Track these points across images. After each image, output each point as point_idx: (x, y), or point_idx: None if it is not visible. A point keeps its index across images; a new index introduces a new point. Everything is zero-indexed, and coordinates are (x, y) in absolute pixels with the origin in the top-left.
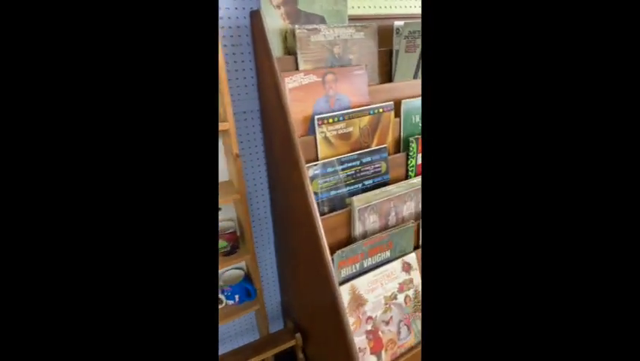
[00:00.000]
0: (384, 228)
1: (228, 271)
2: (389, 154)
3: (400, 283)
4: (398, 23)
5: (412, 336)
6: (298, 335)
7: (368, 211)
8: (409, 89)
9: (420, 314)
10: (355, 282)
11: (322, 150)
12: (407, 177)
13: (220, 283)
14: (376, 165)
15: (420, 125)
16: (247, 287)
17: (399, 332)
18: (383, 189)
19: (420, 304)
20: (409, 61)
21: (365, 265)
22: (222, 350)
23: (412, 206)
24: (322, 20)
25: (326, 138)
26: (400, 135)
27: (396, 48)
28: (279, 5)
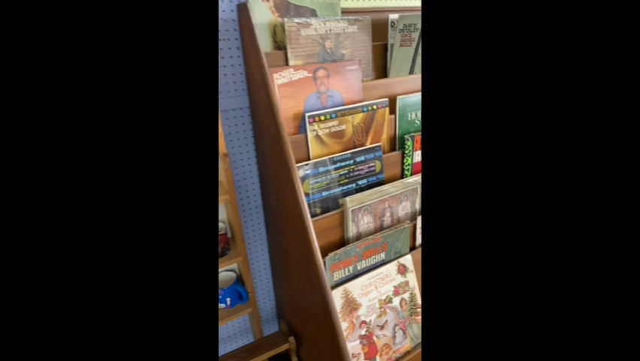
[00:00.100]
0: (380, 229)
1: (220, 273)
2: (384, 152)
3: (395, 286)
4: (393, 16)
5: (408, 340)
6: (292, 338)
7: (362, 212)
8: (404, 84)
9: (416, 318)
10: (348, 285)
11: (314, 148)
12: (403, 176)
13: None
14: (370, 164)
15: (416, 122)
16: (239, 290)
17: (394, 337)
18: (377, 188)
19: (416, 307)
20: (404, 55)
21: (359, 268)
22: None
23: (407, 206)
24: (313, 13)
25: (318, 137)
26: (395, 133)
27: (391, 42)
28: None
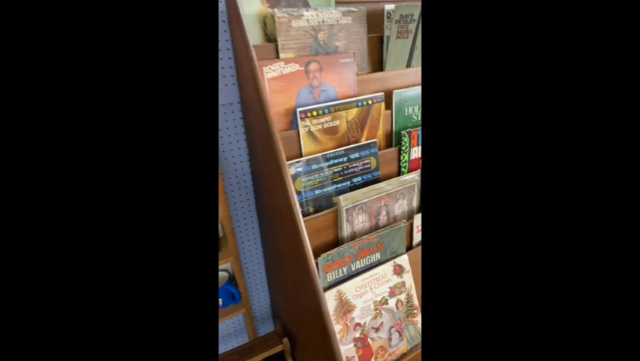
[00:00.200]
0: (375, 228)
1: None
2: (379, 149)
3: (391, 287)
4: (389, 7)
5: (404, 343)
6: (285, 339)
7: (356, 211)
8: (401, 78)
9: (413, 320)
10: (342, 287)
11: (306, 145)
12: (399, 173)
13: None
14: (365, 162)
15: (413, 117)
16: (231, 290)
17: (390, 339)
18: (373, 186)
19: (413, 308)
20: (401, 48)
21: (353, 269)
22: None
23: (404, 204)
24: (305, 4)
25: (310, 133)
26: (391, 129)
27: (387, 34)
28: None
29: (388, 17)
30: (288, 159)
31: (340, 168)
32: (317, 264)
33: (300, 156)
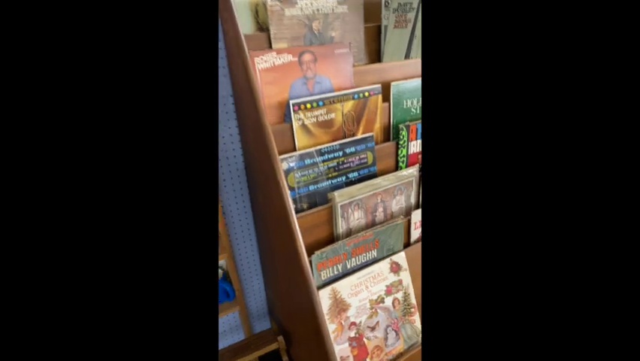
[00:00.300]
0: (372, 225)
1: None
2: (376, 143)
3: (387, 286)
4: None
5: (401, 342)
6: (280, 338)
7: (352, 207)
8: (399, 69)
9: (410, 318)
10: (336, 285)
11: (300, 139)
12: (397, 168)
13: None
14: (362, 156)
15: (412, 110)
16: (225, 288)
17: (386, 338)
18: (369, 182)
19: (410, 307)
20: (399, 38)
21: (348, 267)
22: None
23: (402, 200)
24: None
25: (304, 126)
26: (389, 122)
27: (385, 23)
28: None
29: (386, 6)
30: (280, 154)
31: (335, 163)
32: (310, 262)
33: (294, 150)
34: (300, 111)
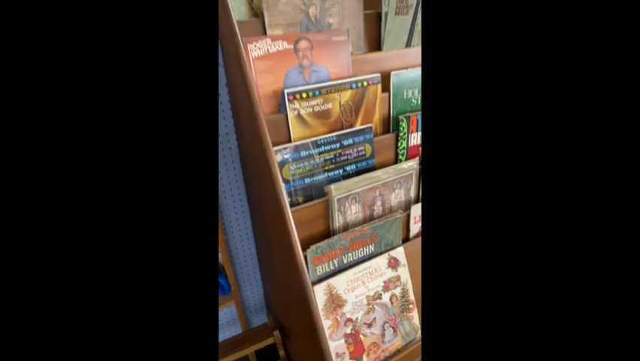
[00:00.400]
0: (370, 219)
1: None
2: (375, 135)
3: (385, 281)
4: None
5: (398, 339)
6: (276, 332)
7: (349, 201)
8: (400, 59)
9: (408, 315)
10: (332, 281)
11: (295, 130)
12: (397, 161)
13: None
14: (360, 148)
15: (413, 101)
16: (220, 282)
17: (383, 335)
18: (367, 175)
19: (408, 303)
20: (400, 25)
21: (345, 262)
22: None
23: (401, 194)
24: None
25: (299, 117)
26: (389, 113)
27: (385, 10)
28: None
29: None
30: (275, 145)
31: (332, 156)
32: (305, 256)
33: (289, 141)
34: (295, 101)
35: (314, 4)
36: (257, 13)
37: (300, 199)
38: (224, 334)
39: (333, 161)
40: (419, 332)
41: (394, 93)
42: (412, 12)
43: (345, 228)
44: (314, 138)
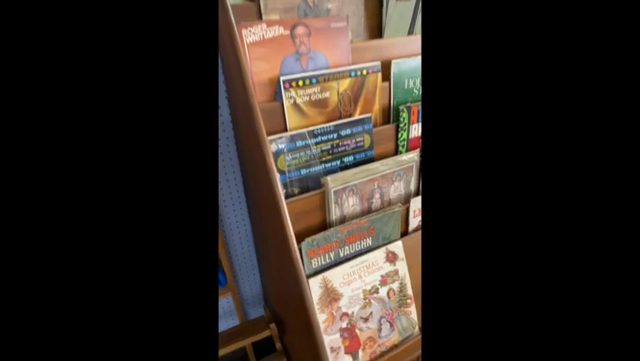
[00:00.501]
0: (368, 212)
1: None
2: (375, 125)
3: (382, 276)
4: None
5: (395, 334)
6: (273, 325)
7: (346, 193)
8: (401, 47)
9: (406, 310)
10: (328, 274)
11: (291, 119)
12: (397, 152)
13: None
14: (358, 139)
15: (414, 91)
16: None
17: (380, 330)
18: (365, 166)
19: (406, 298)
20: (402, 11)
21: (341, 255)
22: None
23: (400, 187)
24: None
25: (295, 105)
26: (389, 103)
27: None
28: None
29: None
30: (269, 134)
31: (329, 146)
32: (300, 249)
33: (285, 131)
34: (291, 89)
35: None
36: None
37: (296, 191)
38: (220, 325)
39: (331, 152)
40: (417, 327)
41: (395, 82)
42: None
43: (342, 221)
44: (311, 128)
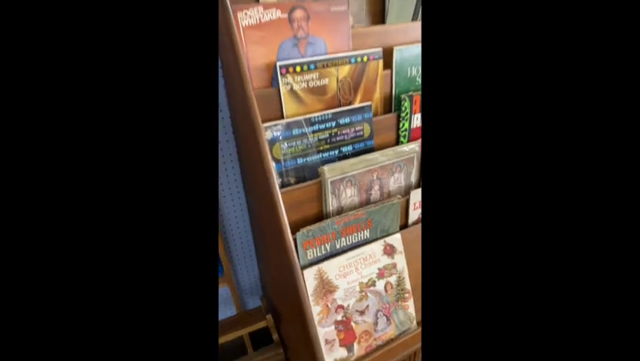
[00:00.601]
0: (366, 204)
1: None
2: (375, 114)
3: (380, 269)
4: None
5: (392, 328)
6: (269, 316)
7: (344, 184)
8: (404, 33)
9: (403, 304)
10: (323, 265)
11: (288, 106)
12: (398, 143)
13: None
14: (357, 128)
15: (417, 79)
16: None
17: (376, 323)
18: (364, 156)
19: (404, 292)
20: None
21: (338, 247)
22: None
23: (401, 178)
24: None
25: (292, 92)
26: (391, 91)
27: None
28: None
29: None
30: (265, 121)
31: (327, 135)
32: (295, 239)
33: (281, 118)
34: (288, 75)
35: None
36: None
37: (292, 180)
38: (219, 314)
39: (329, 141)
40: (414, 322)
41: (397, 70)
42: None
43: (340, 212)
44: (308, 115)
